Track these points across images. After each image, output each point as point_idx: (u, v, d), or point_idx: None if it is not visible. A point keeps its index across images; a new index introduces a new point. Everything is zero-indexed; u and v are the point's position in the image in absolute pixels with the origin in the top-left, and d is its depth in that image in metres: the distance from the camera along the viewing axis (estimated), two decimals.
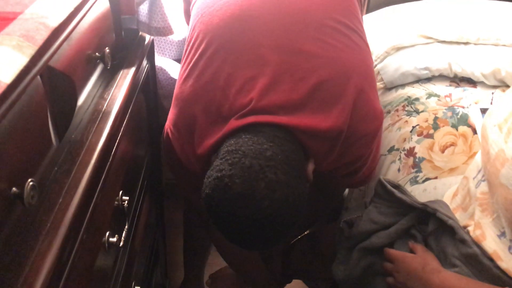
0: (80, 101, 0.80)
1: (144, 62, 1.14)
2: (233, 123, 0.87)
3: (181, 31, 1.38)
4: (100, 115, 0.83)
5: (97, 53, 0.87)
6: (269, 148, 0.81)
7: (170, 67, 1.35)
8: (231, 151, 0.82)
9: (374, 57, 1.53)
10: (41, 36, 0.60)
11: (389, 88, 1.52)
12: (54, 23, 0.64)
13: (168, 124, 1.01)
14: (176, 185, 1.20)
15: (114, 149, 0.81)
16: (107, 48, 0.90)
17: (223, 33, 0.93)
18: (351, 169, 0.99)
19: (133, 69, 1.01)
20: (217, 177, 0.80)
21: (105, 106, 0.86)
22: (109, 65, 0.92)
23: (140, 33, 1.18)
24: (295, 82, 0.87)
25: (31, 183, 0.56)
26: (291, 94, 0.87)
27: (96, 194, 0.72)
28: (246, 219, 0.79)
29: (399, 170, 1.24)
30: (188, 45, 1.00)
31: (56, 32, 0.63)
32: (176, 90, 0.99)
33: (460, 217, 0.95)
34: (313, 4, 0.95)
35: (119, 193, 0.91)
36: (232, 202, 0.79)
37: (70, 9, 0.70)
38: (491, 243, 0.85)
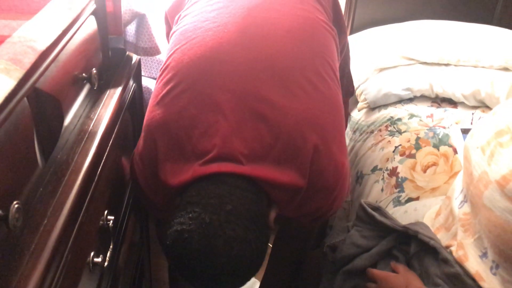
0: (67, 121, 0.81)
1: (131, 82, 1.15)
2: (197, 170, 0.88)
3: None
4: (86, 135, 0.84)
5: (84, 74, 0.88)
6: (229, 202, 0.82)
7: None
8: (193, 203, 0.84)
9: (357, 78, 1.56)
10: (29, 60, 0.60)
11: (372, 108, 1.55)
12: (42, 46, 0.65)
13: (135, 152, 1.01)
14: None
15: (99, 169, 0.81)
16: (94, 69, 0.91)
17: (191, 73, 0.93)
18: (313, 217, 1.00)
19: (119, 89, 1.02)
20: (177, 231, 0.82)
21: (91, 126, 0.87)
22: (95, 86, 0.92)
23: (127, 53, 1.19)
24: (258, 131, 0.88)
25: (16, 206, 0.56)
26: (254, 143, 0.88)
27: (81, 214, 0.72)
28: (204, 273, 0.82)
29: (382, 190, 1.26)
30: (160, 75, 0.99)
31: (44, 55, 0.64)
32: (146, 116, 0.99)
33: (443, 237, 0.97)
34: (283, 51, 0.94)
35: (104, 213, 0.91)
36: (191, 257, 0.82)
37: (58, 32, 0.71)
38: (474, 264, 0.86)
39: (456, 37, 1.61)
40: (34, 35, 0.66)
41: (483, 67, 1.52)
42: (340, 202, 0.99)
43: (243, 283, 0.87)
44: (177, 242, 0.82)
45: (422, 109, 1.48)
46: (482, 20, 1.78)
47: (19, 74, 0.56)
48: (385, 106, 1.53)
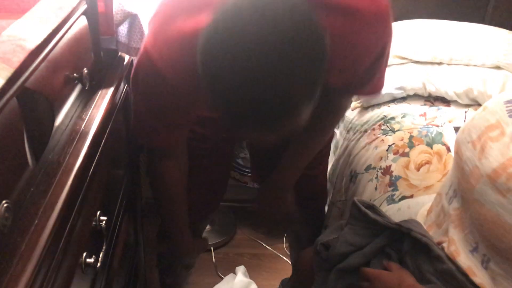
0: (58, 121, 0.80)
1: (123, 83, 1.15)
2: None
3: None
4: (78, 136, 0.84)
5: (75, 74, 0.87)
6: None
7: None
8: None
9: None
10: (18, 58, 0.60)
11: (365, 107, 1.55)
12: (31, 45, 0.65)
13: (146, 48, 0.87)
14: (138, 132, 1.09)
15: (91, 170, 0.81)
16: (85, 69, 0.90)
17: None
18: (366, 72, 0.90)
19: (111, 90, 1.02)
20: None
21: (83, 126, 0.86)
22: (87, 86, 0.92)
23: (119, 53, 1.19)
24: None
25: (5, 205, 0.55)
26: None
27: (73, 215, 0.72)
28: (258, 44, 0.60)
29: (376, 188, 1.26)
30: None
31: (33, 54, 0.64)
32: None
33: (435, 234, 0.97)
34: None
35: (96, 214, 0.90)
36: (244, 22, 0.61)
37: (48, 31, 0.71)
38: (465, 259, 0.87)
39: (449, 36, 1.62)
40: (23, 34, 0.66)
41: (475, 65, 1.52)
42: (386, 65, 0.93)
43: (301, 92, 0.64)
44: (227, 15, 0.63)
45: (415, 107, 1.48)
46: (474, 19, 1.78)
47: (7, 73, 0.56)
48: (378, 105, 1.53)
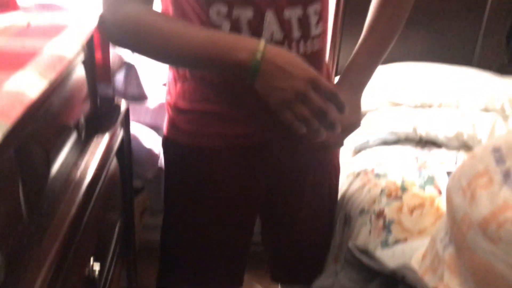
0: (53, 171, 0.81)
1: (119, 130, 1.16)
2: None
3: (156, 98, 1.42)
4: (73, 185, 0.84)
5: (71, 123, 0.89)
6: None
7: (144, 135, 1.38)
8: None
9: None
10: (16, 113, 0.61)
11: (358, 151, 1.57)
12: (30, 99, 0.66)
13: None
14: None
15: (85, 219, 0.81)
16: (82, 117, 0.92)
17: None
18: None
19: (107, 137, 1.03)
20: None
21: (77, 175, 0.87)
22: (83, 135, 0.94)
23: (116, 100, 1.21)
24: None
25: None
26: None
27: (66, 265, 0.72)
28: None
29: (370, 232, 1.26)
30: None
31: (31, 108, 0.65)
32: None
33: (430, 279, 0.97)
34: None
35: (90, 261, 0.90)
36: None
37: (46, 83, 0.73)
38: None
39: (438, 80, 1.66)
40: (22, 87, 0.68)
41: (464, 109, 1.56)
42: None
43: None
44: None
45: (407, 150, 1.51)
46: (462, 62, 1.84)
47: (5, 128, 0.57)
48: (371, 148, 1.55)
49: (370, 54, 1.03)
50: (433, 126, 1.52)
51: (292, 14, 0.89)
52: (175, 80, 1.04)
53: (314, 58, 0.96)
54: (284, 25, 0.88)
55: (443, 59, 1.82)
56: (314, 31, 0.94)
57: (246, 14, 0.86)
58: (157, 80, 1.77)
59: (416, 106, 1.58)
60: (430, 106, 1.58)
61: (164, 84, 1.82)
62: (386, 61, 1.86)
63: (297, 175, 1.15)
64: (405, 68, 1.76)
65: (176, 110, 1.06)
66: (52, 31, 0.92)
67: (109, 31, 0.88)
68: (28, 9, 1.04)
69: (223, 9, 0.86)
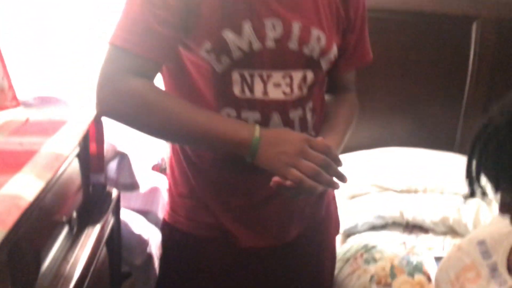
0: (43, 267, 0.82)
1: (110, 217, 1.18)
2: None
3: (147, 182, 1.44)
4: (62, 280, 0.84)
5: (64, 218, 0.91)
6: None
7: (134, 221, 1.39)
8: None
9: None
10: (12, 218, 0.63)
11: (347, 235, 1.59)
12: (26, 202, 0.68)
13: None
14: None
15: None
16: (74, 212, 0.94)
17: None
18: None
19: (98, 228, 1.04)
20: None
21: (67, 269, 0.88)
22: (75, 229, 0.95)
23: (108, 188, 1.23)
24: None
25: None
26: None
27: None
28: None
29: None
30: None
31: (27, 211, 0.68)
32: None
33: None
34: None
35: None
36: None
37: (42, 184, 0.75)
38: None
39: (422, 165, 1.72)
40: (19, 191, 0.70)
41: (449, 194, 1.60)
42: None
43: None
44: None
45: (395, 236, 1.52)
46: (444, 146, 1.91)
47: (1, 236, 0.59)
48: (360, 233, 1.57)
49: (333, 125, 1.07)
50: (419, 211, 1.55)
51: (295, 114, 0.97)
52: (176, 166, 1.08)
53: None
54: (288, 124, 0.97)
55: (426, 144, 1.89)
56: (310, 124, 1.00)
57: (254, 116, 0.94)
58: (147, 164, 1.81)
59: (402, 191, 1.62)
60: (415, 191, 1.62)
61: (153, 168, 1.86)
62: (371, 146, 1.94)
63: (293, 271, 1.15)
64: (390, 153, 1.82)
65: (177, 195, 1.08)
66: (50, 127, 0.96)
67: (106, 101, 0.86)
68: (28, 104, 1.09)
69: (233, 112, 0.94)
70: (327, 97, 1.11)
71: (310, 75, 0.96)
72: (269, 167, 0.85)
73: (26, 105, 1.10)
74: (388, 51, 1.90)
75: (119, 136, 1.37)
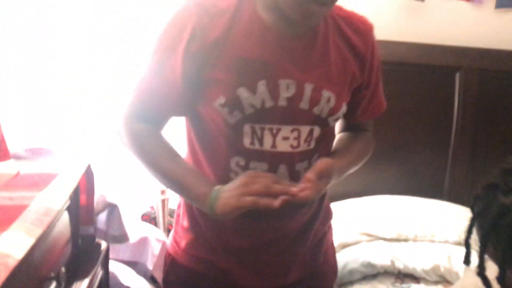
0: None
1: (99, 270, 1.16)
2: None
3: (136, 233, 1.43)
4: None
5: (52, 274, 0.89)
6: None
7: (122, 273, 1.37)
8: None
9: None
10: (0, 278, 0.63)
11: (339, 285, 1.57)
12: (15, 260, 0.68)
13: None
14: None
15: None
16: (62, 267, 0.93)
17: None
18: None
19: (86, 282, 1.03)
20: None
21: None
22: (63, 284, 0.93)
23: (97, 239, 1.22)
24: None
25: None
26: None
27: None
28: None
29: None
30: None
31: (16, 270, 0.67)
32: None
33: None
34: None
35: None
36: None
37: (32, 241, 0.75)
38: None
39: (412, 213, 1.72)
40: (7, 249, 0.69)
41: (439, 242, 1.60)
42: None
43: None
44: None
45: (387, 285, 1.51)
46: (432, 194, 1.92)
47: None
48: (351, 282, 1.55)
49: (343, 151, 1.09)
50: (410, 259, 1.55)
51: (302, 166, 0.99)
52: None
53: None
54: (294, 175, 0.98)
55: (414, 192, 1.90)
56: None
57: (262, 167, 0.96)
58: (136, 213, 1.80)
59: (392, 239, 1.62)
60: (406, 239, 1.62)
61: (143, 217, 1.85)
62: (359, 194, 1.95)
63: None
64: (379, 201, 1.83)
65: (180, 227, 1.08)
66: (41, 181, 0.96)
67: (122, 138, 1.00)
68: (19, 156, 1.09)
69: (242, 161, 0.97)
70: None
71: (317, 130, 0.99)
72: (226, 212, 0.88)
73: (17, 157, 1.10)
74: None
75: (109, 186, 1.37)
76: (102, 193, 1.19)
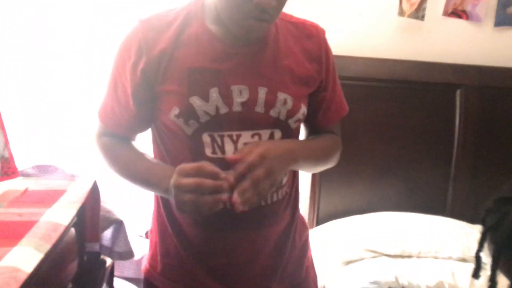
0: None
1: (104, 286, 1.16)
2: None
3: (140, 251, 1.43)
4: None
5: None
6: None
7: None
8: None
9: (324, 272, 1.61)
10: None
11: None
12: (24, 275, 0.69)
13: None
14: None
15: None
16: (70, 284, 0.93)
17: None
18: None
19: None
20: None
21: None
22: None
23: (102, 256, 1.23)
24: None
25: None
26: None
27: None
28: None
29: None
30: None
31: (25, 284, 0.68)
32: None
33: None
34: None
35: None
36: None
37: (41, 256, 0.76)
38: None
39: (415, 229, 1.73)
40: (17, 263, 0.71)
41: (443, 258, 1.60)
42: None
43: None
44: None
45: None
46: (435, 210, 1.93)
47: None
48: None
49: (309, 141, 1.11)
50: (414, 276, 1.54)
51: None
52: (158, 222, 1.10)
53: (280, 203, 1.04)
54: None
55: (417, 208, 1.91)
56: (284, 181, 1.03)
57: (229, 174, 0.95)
58: (140, 230, 1.80)
59: (395, 255, 1.62)
60: (409, 256, 1.62)
61: (147, 235, 1.85)
62: (362, 210, 1.95)
63: None
64: (382, 218, 1.83)
65: (155, 252, 1.08)
66: (48, 197, 0.98)
67: (98, 154, 1.05)
68: (27, 174, 1.11)
69: None
70: None
71: (278, 134, 0.99)
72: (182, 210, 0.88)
73: (25, 174, 1.11)
74: (376, 117, 1.97)
75: (114, 202, 1.38)
76: (107, 209, 1.21)
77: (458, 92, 1.99)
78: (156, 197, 1.11)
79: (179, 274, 1.05)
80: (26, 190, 1.01)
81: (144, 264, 1.12)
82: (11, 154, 1.08)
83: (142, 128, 1.04)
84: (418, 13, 1.97)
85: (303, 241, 1.15)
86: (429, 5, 1.97)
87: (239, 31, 0.92)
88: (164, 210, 1.06)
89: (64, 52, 1.85)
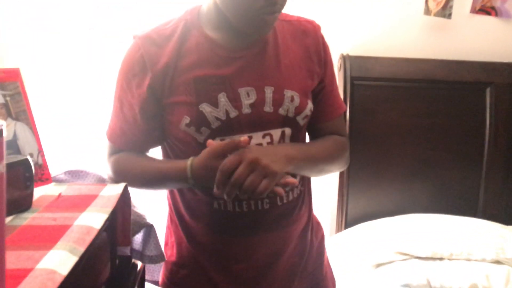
0: None
1: None
2: None
3: None
4: None
5: None
6: None
7: None
8: None
9: (355, 275, 1.59)
10: None
11: None
12: (61, 277, 0.70)
13: None
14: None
15: None
16: (103, 286, 0.95)
17: None
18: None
19: None
20: None
21: None
22: None
23: (133, 260, 1.24)
24: None
25: None
26: None
27: None
28: None
29: None
30: None
31: (61, 286, 0.69)
32: None
33: None
34: None
35: None
36: None
37: (75, 259, 0.77)
38: None
39: (446, 231, 1.69)
40: (54, 266, 0.72)
41: (476, 260, 1.57)
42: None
43: None
44: None
45: None
46: (466, 212, 1.89)
47: None
48: None
49: (308, 145, 1.09)
50: (446, 278, 1.52)
51: None
52: (173, 233, 1.11)
53: (295, 202, 1.06)
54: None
55: (448, 210, 1.88)
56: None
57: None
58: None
59: (427, 258, 1.59)
60: (441, 258, 1.59)
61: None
62: (392, 213, 1.93)
63: None
64: (412, 220, 1.80)
65: (172, 264, 1.09)
66: (81, 202, 1.00)
67: (110, 175, 1.10)
68: (60, 180, 1.13)
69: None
70: None
71: (288, 131, 1.00)
72: (202, 175, 0.92)
73: (58, 180, 1.14)
74: (404, 118, 1.94)
75: (145, 206, 1.40)
76: (138, 213, 1.22)
77: (487, 90, 1.95)
78: (170, 210, 1.12)
79: (197, 283, 1.06)
80: (59, 195, 1.03)
81: (161, 277, 1.14)
82: (45, 161, 1.10)
83: (152, 144, 1.07)
84: (445, 11, 1.94)
85: (319, 240, 1.16)
86: (456, 3, 1.94)
87: (249, 29, 0.93)
88: (179, 222, 1.07)
89: (64, 52, 1.87)
